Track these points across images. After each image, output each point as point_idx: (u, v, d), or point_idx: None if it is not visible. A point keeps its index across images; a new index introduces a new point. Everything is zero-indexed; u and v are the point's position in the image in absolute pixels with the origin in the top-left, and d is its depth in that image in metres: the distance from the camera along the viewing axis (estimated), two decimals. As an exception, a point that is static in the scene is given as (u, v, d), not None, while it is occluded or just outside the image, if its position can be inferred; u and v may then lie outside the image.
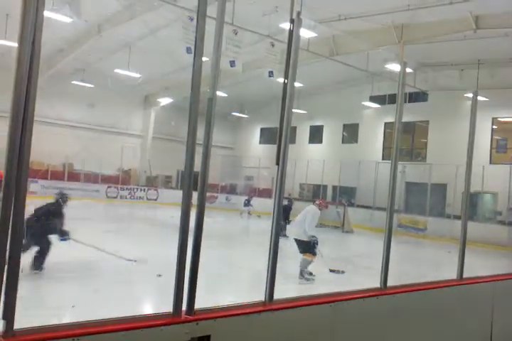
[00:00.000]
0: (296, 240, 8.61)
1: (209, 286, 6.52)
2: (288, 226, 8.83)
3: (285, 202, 17.58)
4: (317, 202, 9.27)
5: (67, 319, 2.31)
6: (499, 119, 21.95)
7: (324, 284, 8.27)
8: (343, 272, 9.13)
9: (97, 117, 28.12)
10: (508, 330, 4.85)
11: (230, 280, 8.19)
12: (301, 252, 8.58)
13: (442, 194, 21.90)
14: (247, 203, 23.98)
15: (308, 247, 8.50)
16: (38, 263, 7.44)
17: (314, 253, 8.59)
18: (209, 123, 2.72)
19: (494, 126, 22.06)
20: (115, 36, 19.94)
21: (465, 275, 4.48)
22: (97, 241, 11.88)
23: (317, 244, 8.61)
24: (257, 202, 23.33)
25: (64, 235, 7.86)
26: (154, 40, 19.57)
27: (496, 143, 22.19)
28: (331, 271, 9.09)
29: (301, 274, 8.47)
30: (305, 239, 8.56)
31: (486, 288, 4.66)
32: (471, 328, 4.53)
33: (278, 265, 2.97)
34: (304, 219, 8.67)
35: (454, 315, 4.29)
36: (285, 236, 16.64)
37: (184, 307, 2.55)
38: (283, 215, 16.69)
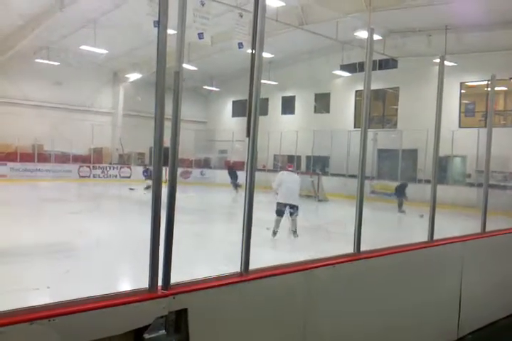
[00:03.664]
0: (293, 206, 9.94)
1: (185, 260, 6.55)
2: (284, 194, 9.97)
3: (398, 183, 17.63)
4: (290, 169, 10.91)
5: (41, 300, 2.29)
6: (467, 84, 22.19)
7: (302, 251, 8.40)
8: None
9: (64, 96, 27.42)
10: (475, 287, 5.02)
11: (207, 254, 8.23)
12: (294, 215, 9.97)
13: (413, 159, 22.24)
14: (234, 176, 22.34)
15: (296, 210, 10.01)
16: None
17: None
18: (176, 96, 2.67)
19: (462, 91, 22.32)
20: (78, 12, 19.23)
21: (436, 237, 4.59)
22: (68, 221, 11.81)
23: None
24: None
25: None
26: (119, 14, 18.97)
27: (465, 107, 22.49)
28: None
29: (295, 233, 10.03)
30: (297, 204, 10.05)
31: (456, 248, 4.79)
32: (442, 287, 4.68)
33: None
34: (298, 187, 10.22)
35: (425, 276, 4.43)
36: (403, 211, 16.62)
37: (160, 282, 2.55)
38: (401, 193, 16.33)
